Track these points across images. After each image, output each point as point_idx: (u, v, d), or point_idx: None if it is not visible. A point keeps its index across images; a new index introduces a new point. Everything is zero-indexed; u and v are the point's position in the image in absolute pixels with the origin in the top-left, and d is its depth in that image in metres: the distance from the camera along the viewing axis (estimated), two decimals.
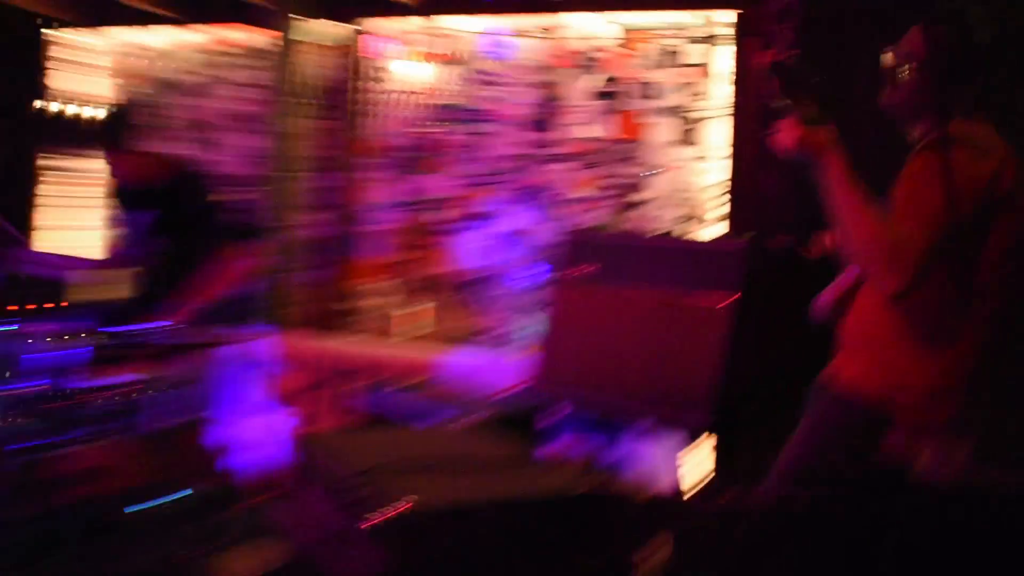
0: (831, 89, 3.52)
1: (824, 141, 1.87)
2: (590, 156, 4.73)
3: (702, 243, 3.19)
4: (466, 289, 4.88)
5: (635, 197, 4.64)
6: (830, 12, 3.76)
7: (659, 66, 4.60)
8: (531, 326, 4.68)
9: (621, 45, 4.69)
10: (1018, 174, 1.90)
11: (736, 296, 2.78)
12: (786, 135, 1.89)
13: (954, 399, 1.94)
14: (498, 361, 4.36)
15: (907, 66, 1.99)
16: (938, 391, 1.92)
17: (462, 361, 4.34)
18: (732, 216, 4.28)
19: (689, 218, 4.52)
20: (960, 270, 1.89)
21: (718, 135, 4.42)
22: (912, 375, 1.92)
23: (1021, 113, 2.78)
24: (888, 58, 2.05)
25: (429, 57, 5.01)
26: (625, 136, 4.66)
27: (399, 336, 4.69)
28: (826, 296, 2.16)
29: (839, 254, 2.08)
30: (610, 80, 4.69)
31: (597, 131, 4.71)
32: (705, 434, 3.05)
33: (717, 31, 4.46)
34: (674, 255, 3.05)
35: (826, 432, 2.00)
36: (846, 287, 2.12)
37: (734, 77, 4.30)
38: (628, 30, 4.67)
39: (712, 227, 4.43)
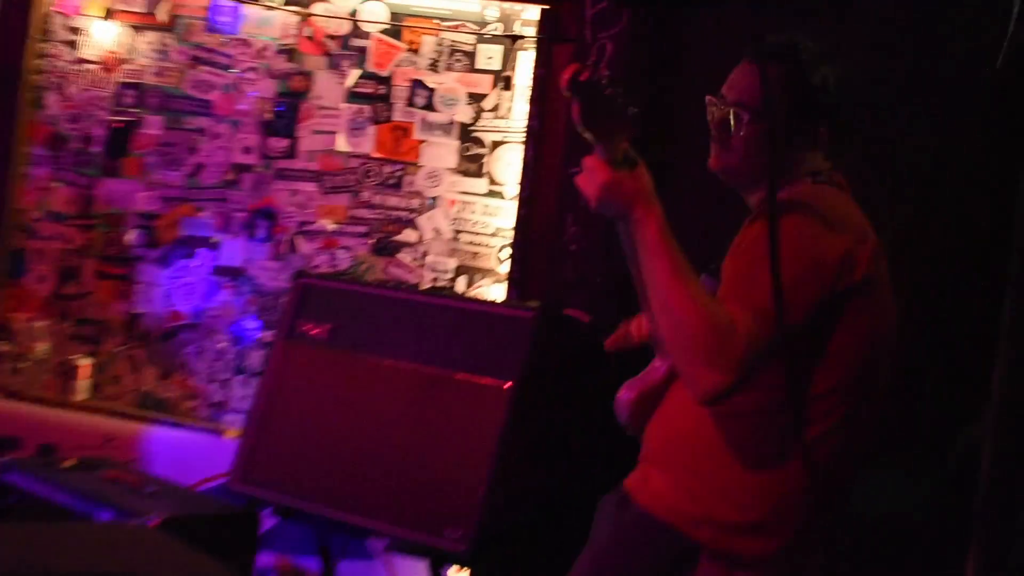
0: (652, 125, 3.75)
1: (633, 191, 1.81)
2: (341, 177, 4.61)
3: (481, 305, 3.21)
4: (157, 340, 4.69)
5: (398, 237, 4.57)
6: (665, 27, 3.76)
7: (443, 68, 4.56)
8: (239, 399, 4.55)
9: (392, 34, 4.58)
10: (876, 254, 1.87)
11: (518, 379, 2.88)
12: (587, 178, 1.77)
13: (780, 531, 1.95)
14: (194, 442, 4.38)
15: (739, 117, 1.94)
16: (760, 519, 1.94)
17: (147, 437, 4.35)
18: (521, 273, 4.26)
19: (468, 270, 4.51)
20: (795, 371, 1.91)
21: (515, 165, 4.42)
22: (729, 498, 1.95)
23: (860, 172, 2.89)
24: (714, 109, 2.01)
25: (134, 19, 4.73)
26: (391, 155, 4.59)
27: (66, 395, 4.65)
28: (630, 390, 2.09)
29: (651, 339, 2.18)
30: (374, 79, 4.60)
31: (354, 144, 4.62)
32: (457, 567, 3.01)
33: (520, 30, 4.44)
34: (443, 318, 3.13)
35: (624, 558, 2.02)
36: (655, 381, 2.16)
37: (532, 93, 4.26)
38: (403, 15, 4.58)
39: (497, 285, 4.46)
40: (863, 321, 1.93)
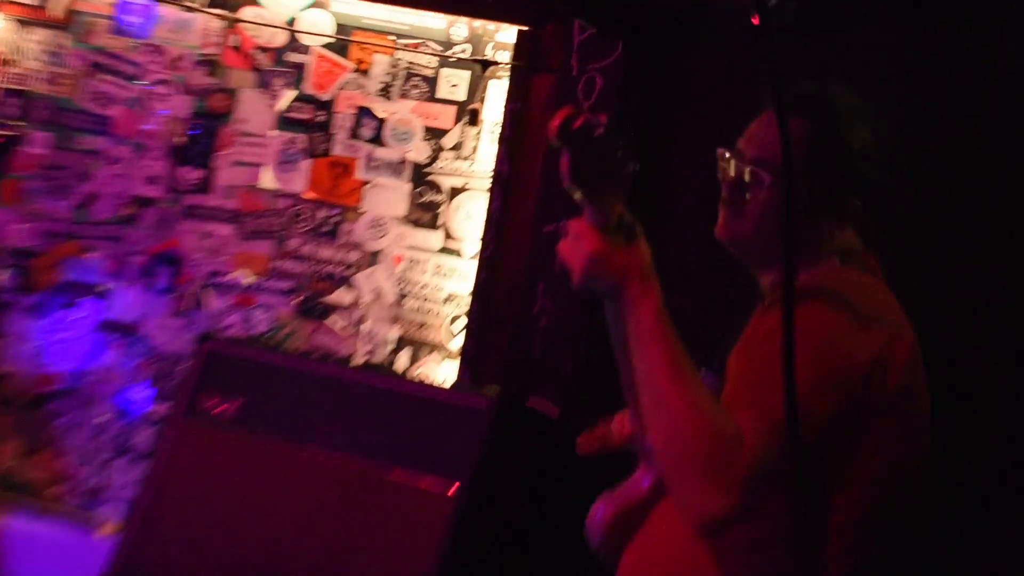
0: (645, 181, 3.79)
1: (628, 265, 1.83)
2: (264, 219, 4.63)
3: (426, 390, 3.20)
4: (22, 408, 4.64)
5: (329, 298, 4.55)
6: (666, 62, 3.84)
7: (397, 95, 4.60)
8: (120, 486, 4.48)
9: (337, 49, 4.62)
10: (914, 356, 1.89)
11: (466, 484, 2.85)
12: (572, 245, 1.79)
13: None
14: (59, 537, 4.33)
15: (757, 177, 1.99)
16: None
17: (10, 528, 4.27)
18: (477, 351, 4.26)
19: (412, 343, 4.50)
20: (807, 499, 1.85)
21: (477, 218, 4.42)
22: None
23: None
24: (726, 165, 2.10)
25: (22, 12, 4.77)
26: (327, 196, 4.60)
27: None
28: (606, 507, 2.14)
29: (635, 444, 2.12)
30: (312, 103, 4.63)
31: (283, 181, 4.63)
32: None
33: (493, 54, 4.50)
34: (378, 402, 3.11)
35: None
36: (638, 498, 2.11)
37: (503, 131, 4.32)
38: (351, 28, 4.62)
39: (448, 363, 4.44)
40: (895, 440, 1.91)
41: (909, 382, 1.90)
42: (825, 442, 1.81)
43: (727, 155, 2.09)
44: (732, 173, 2.07)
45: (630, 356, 1.84)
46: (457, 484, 2.88)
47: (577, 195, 1.75)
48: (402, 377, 3.94)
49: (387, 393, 3.13)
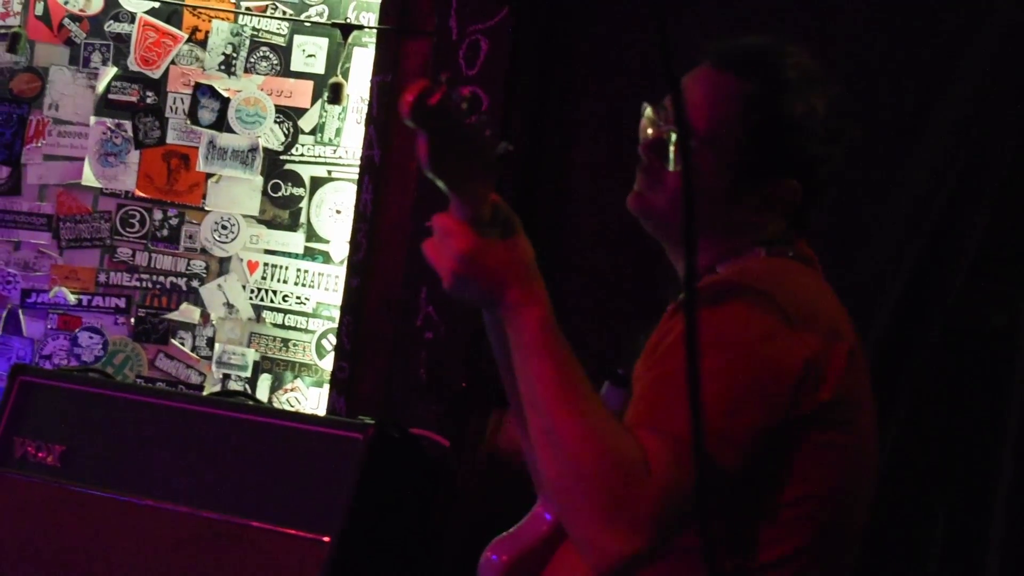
0: (539, 161, 3.80)
1: (506, 265, 1.82)
2: (87, 224, 4.62)
3: (292, 420, 3.21)
4: None
5: (172, 315, 4.56)
6: (566, 21, 3.86)
7: (242, 69, 4.59)
8: None
9: (165, 17, 4.62)
10: (853, 361, 1.92)
11: (340, 531, 2.86)
12: (439, 244, 1.79)
13: None
14: None
15: (680, 141, 2.00)
16: None
17: None
18: (350, 372, 4.24)
19: (274, 366, 4.51)
20: (728, 534, 1.90)
21: (346, 214, 4.42)
22: None
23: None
24: (648, 124, 2.12)
25: None
26: (163, 194, 4.59)
27: None
28: (501, 552, 2.17)
29: (530, 470, 2.13)
30: (139, 81, 4.61)
31: (107, 177, 4.60)
32: None
33: (356, 17, 4.51)
34: (235, 438, 3.11)
35: None
36: (537, 540, 2.14)
37: (371, 109, 4.32)
38: None
39: (316, 389, 4.45)
40: (833, 459, 1.95)
41: (847, 392, 1.92)
42: (750, 465, 1.82)
43: (650, 111, 2.09)
44: (653, 134, 2.08)
45: (515, 373, 1.84)
46: (331, 529, 2.89)
47: (440, 183, 1.74)
48: (262, 405, 3.92)
49: (245, 425, 3.13)
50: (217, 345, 4.51)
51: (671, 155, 2.03)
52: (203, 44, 4.60)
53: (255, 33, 4.58)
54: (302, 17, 4.54)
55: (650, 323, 2.08)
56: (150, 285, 4.56)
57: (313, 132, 4.54)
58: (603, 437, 1.75)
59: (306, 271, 4.51)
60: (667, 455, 1.74)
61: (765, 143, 2.01)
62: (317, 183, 4.52)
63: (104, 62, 4.60)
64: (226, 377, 4.48)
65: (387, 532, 3.01)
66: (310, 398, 4.43)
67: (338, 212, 4.48)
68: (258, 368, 4.49)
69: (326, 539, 2.90)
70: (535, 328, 1.78)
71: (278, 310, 4.51)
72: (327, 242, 4.50)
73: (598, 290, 3.44)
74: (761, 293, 1.89)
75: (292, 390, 4.46)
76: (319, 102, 4.53)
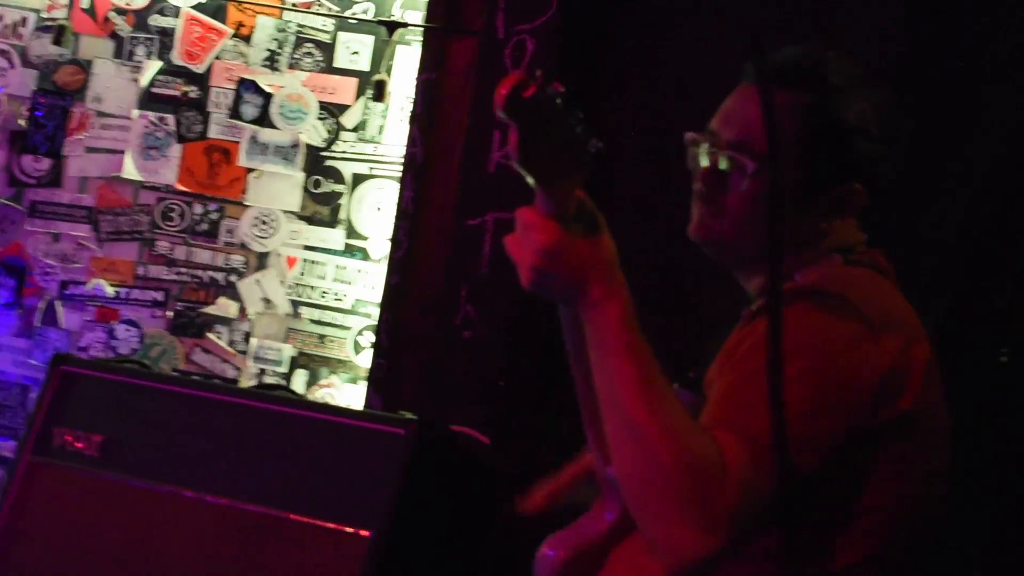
0: (599, 174, 3.80)
1: (590, 261, 1.84)
2: (127, 217, 4.63)
3: (333, 414, 3.22)
4: None
5: (209, 309, 4.57)
6: (615, 22, 3.86)
7: (286, 65, 4.60)
8: None
9: (211, 12, 4.63)
10: (931, 370, 1.92)
11: (382, 526, 2.86)
12: (522, 238, 1.79)
13: None
14: None
15: (738, 165, 2.05)
16: None
17: None
18: (389, 370, 4.22)
19: (311, 362, 4.51)
20: (808, 536, 1.88)
21: (386, 212, 4.41)
22: None
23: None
24: (699, 152, 2.12)
25: None
26: (204, 188, 4.60)
27: None
28: (558, 548, 2.15)
29: (596, 476, 2.11)
30: (182, 75, 4.62)
31: (149, 171, 4.62)
32: None
33: (401, 15, 4.51)
34: (274, 432, 3.11)
35: None
36: (598, 537, 2.13)
37: (416, 107, 4.32)
38: None
39: (352, 386, 4.45)
40: (909, 469, 1.94)
41: (926, 400, 1.93)
42: (826, 471, 1.83)
43: (699, 140, 2.11)
44: (706, 161, 2.08)
45: (591, 370, 1.85)
46: (373, 524, 2.89)
47: (530, 178, 1.75)
48: (303, 399, 3.93)
49: (285, 419, 3.14)
50: (253, 340, 4.53)
51: (728, 178, 2.05)
52: (247, 39, 4.63)
53: (300, 29, 4.60)
54: (347, 14, 4.56)
55: (721, 330, 2.08)
56: (188, 279, 4.58)
57: (356, 129, 4.56)
58: (682, 436, 1.77)
59: (345, 268, 4.52)
60: (745, 456, 1.76)
61: (825, 151, 2.03)
62: (358, 180, 4.54)
63: (148, 56, 4.63)
64: (262, 372, 4.50)
65: (428, 528, 3.01)
66: (346, 394, 4.44)
67: (379, 209, 4.50)
68: (294, 364, 4.51)
69: (366, 534, 2.90)
70: (617, 326, 1.80)
71: (316, 306, 4.53)
72: (366, 239, 4.51)
73: (659, 300, 3.44)
74: (842, 299, 1.90)
75: (328, 386, 4.48)
76: (362, 99, 4.54)
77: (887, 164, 2.08)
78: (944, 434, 2.02)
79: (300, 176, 4.56)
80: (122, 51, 4.64)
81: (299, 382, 4.47)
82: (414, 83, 4.35)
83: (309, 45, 4.59)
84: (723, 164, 2.05)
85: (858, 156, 2.05)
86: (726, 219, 2.07)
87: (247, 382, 4.42)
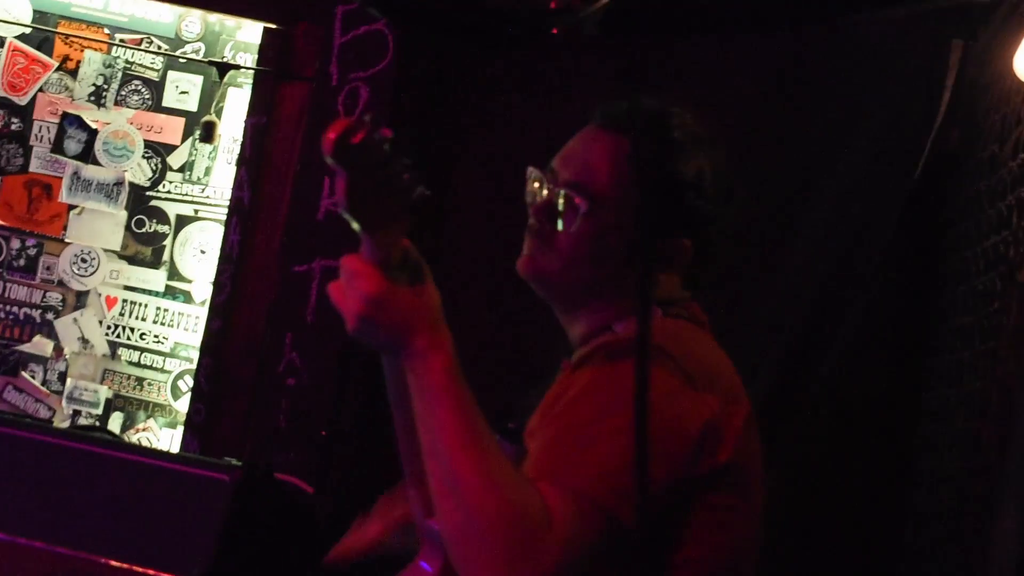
0: (431, 221, 3.80)
1: (413, 310, 1.81)
2: None
3: (157, 457, 3.17)
4: None
5: (24, 347, 4.49)
6: (452, 70, 3.89)
7: (112, 101, 4.56)
8: None
9: (35, 43, 4.56)
10: (748, 424, 1.95)
11: (206, 570, 2.87)
12: (347, 286, 1.77)
13: None
14: None
15: (572, 204, 2.03)
16: None
17: None
18: (207, 415, 4.19)
19: (126, 404, 4.45)
20: None
21: (211, 254, 4.40)
22: None
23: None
24: (537, 187, 2.11)
25: None
26: (22, 223, 4.54)
27: None
28: None
29: (416, 529, 2.12)
30: (4, 107, 4.56)
31: None
32: None
33: (233, 57, 4.49)
34: (97, 474, 3.08)
35: None
36: None
37: (244, 150, 4.31)
38: (55, 17, 4.56)
39: (169, 431, 4.41)
40: (725, 521, 1.96)
41: (744, 456, 1.94)
42: (652, 520, 1.81)
43: (538, 175, 2.12)
44: (542, 197, 2.10)
45: (413, 420, 1.84)
46: (194, 571, 2.85)
47: (355, 225, 1.73)
48: (124, 441, 3.86)
49: (105, 461, 3.07)
50: (69, 380, 4.43)
51: (561, 216, 2.07)
52: (74, 73, 4.54)
53: (128, 66, 4.54)
54: (178, 53, 4.51)
55: (541, 380, 2.09)
56: (3, 315, 4.47)
57: (182, 170, 4.51)
58: (505, 488, 1.75)
59: (166, 310, 4.46)
60: (568, 508, 1.75)
61: (656, 203, 2.02)
62: (183, 221, 4.48)
63: None
64: (76, 413, 4.39)
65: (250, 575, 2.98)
66: (163, 439, 4.36)
67: (203, 252, 4.45)
68: (110, 406, 4.42)
69: None
70: (440, 375, 1.78)
71: (135, 348, 4.45)
72: (190, 282, 4.46)
73: (483, 346, 3.46)
74: (662, 352, 1.90)
75: (144, 430, 4.39)
76: (190, 140, 4.50)
77: (719, 224, 2.09)
78: (760, 488, 2.03)
79: (123, 215, 4.49)
80: None
81: (115, 425, 4.38)
82: (243, 126, 4.34)
83: (137, 82, 4.53)
84: (559, 202, 2.05)
85: (689, 211, 2.05)
86: (554, 256, 2.06)
87: (61, 423, 4.32)
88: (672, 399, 1.85)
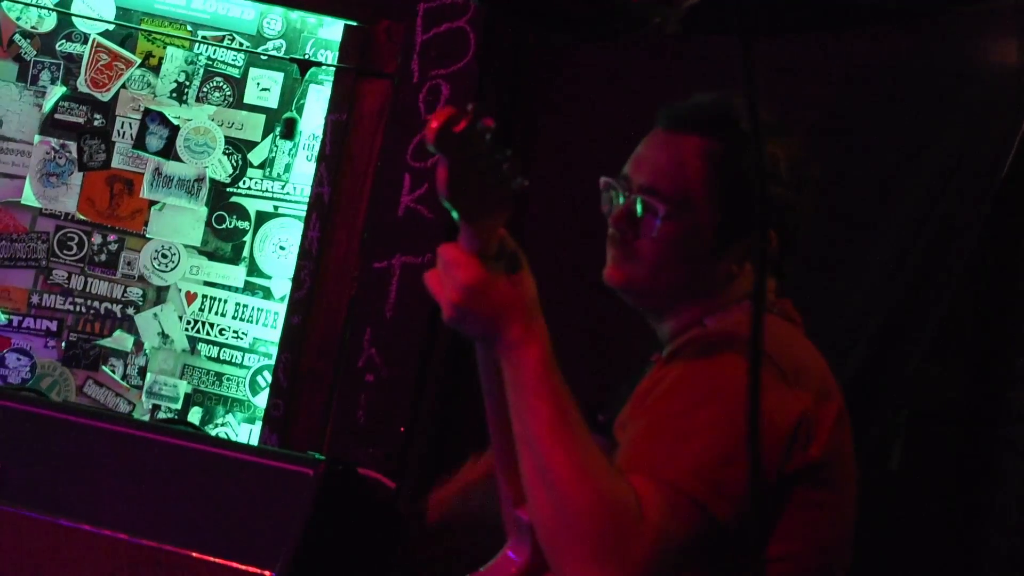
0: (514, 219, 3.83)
1: (511, 300, 1.84)
2: (22, 244, 4.59)
3: (239, 450, 3.18)
4: None
5: (105, 341, 4.53)
6: (533, 68, 3.90)
7: (194, 98, 4.58)
8: None
9: (119, 39, 4.59)
10: (840, 420, 1.94)
11: (286, 567, 2.81)
12: (444, 274, 1.78)
13: None
14: None
15: (651, 210, 2.07)
16: None
17: None
18: (286, 411, 4.21)
19: (206, 399, 4.49)
20: None
21: (290, 250, 4.42)
22: None
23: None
24: (613, 197, 2.14)
25: None
26: (104, 219, 4.57)
27: None
28: None
29: (505, 517, 2.13)
30: (87, 103, 4.58)
31: (48, 198, 4.59)
32: None
33: (313, 54, 4.51)
34: (173, 466, 3.06)
35: None
36: None
37: (324, 146, 4.32)
38: (138, 14, 4.60)
39: (248, 426, 4.44)
40: (817, 518, 1.95)
41: (836, 451, 1.94)
42: (740, 518, 1.81)
43: (612, 185, 2.12)
44: (619, 206, 2.10)
45: (506, 410, 1.84)
46: (275, 565, 2.85)
47: (455, 213, 1.74)
48: (206, 434, 3.88)
49: (188, 453, 3.08)
50: (149, 375, 4.47)
51: (641, 223, 2.07)
52: (156, 70, 4.58)
53: (210, 62, 4.57)
54: (259, 50, 4.54)
55: (631, 374, 2.09)
56: (84, 310, 4.51)
57: (262, 166, 4.53)
58: (598, 479, 1.76)
59: (245, 306, 4.49)
60: (661, 501, 1.76)
61: (734, 197, 2.04)
62: (263, 218, 4.51)
63: (53, 81, 4.57)
64: (156, 408, 4.43)
65: (331, 571, 2.98)
66: (241, 434, 4.39)
67: (282, 248, 4.48)
68: (189, 400, 4.46)
69: (268, 574, 2.87)
70: (535, 366, 1.79)
71: (214, 343, 4.49)
72: (269, 278, 4.49)
73: (570, 344, 3.47)
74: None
75: (223, 425, 4.42)
76: (271, 136, 4.53)
77: (799, 211, 2.10)
78: (852, 484, 2.04)
79: (203, 211, 4.52)
80: (26, 75, 4.58)
81: (194, 419, 4.41)
82: (324, 123, 4.35)
83: (218, 79, 4.56)
84: (637, 209, 2.06)
85: (768, 201, 2.04)
86: (639, 263, 2.08)
87: (141, 417, 4.36)
88: (766, 394, 1.80)
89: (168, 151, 4.54)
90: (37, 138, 4.56)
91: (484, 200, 1.74)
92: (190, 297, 4.49)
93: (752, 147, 2.00)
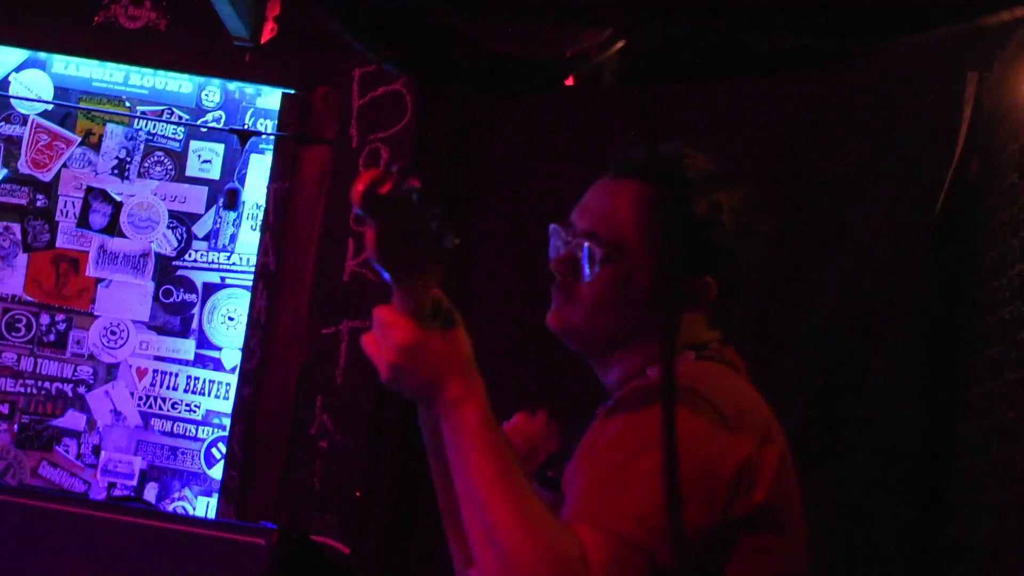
0: (454, 274, 3.85)
1: (447, 359, 1.83)
2: None
3: (193, 524, 3.18)
4: None
5: (57, 422, 4.51)
6: (470, 127, 3.94)
7: (136, 174, 4.60)
8: None
9: (58, 119, 4.60)
10: (784, 463, 1.95)
11: None
12: (379, 337, 1.78)
13: None
14: None
15: (592, 252, 2.07)
16: None
17: None
18: (241, 482, 4.22)
19: (161, 475, 4.46)
20: None
21: (239, 321, 4.43)
22: None
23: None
24: (559, 242, 2.14)
25: None
26: (51, 299, 4.56)
27: None
28: None
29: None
30: (28, 184, 4.60)
31: None
32: None
33: (253, 124, 4.54)
34: (134, 543, 3.13)
35: None
36: None
37: (267, 216, 4.36)
38: (76, 93, 4.61)
39: (204, 499, 4.40)
40: (764, 564, 1.94)
41: (780, 495, 1.94)
42: (685, 564, 1.78)
43: (558, 230, 2.14)
44: (564, 251, 2.11)
45: (451, 469, 1.84)
46: None
47: (387, 275, 1.75)
48: (159, 510, 3.88)
49: (142, 530, 3.09)
50: (103, 453, 4.45)
51: (585, 268, 2.07)
52: (97, 147, 4.58)
53: (150, 137, 4.58)
54: (199, 122, 4.55)
55: (578, 428, 2.11)
56: (35, 391, 4.49)
57: (207, 238, 4.53)
58: (543, 532, 1.75)
59: (197, 378, 4.48)
60: (606, 550, 1.75)
61: (675, 243, 2.03)
62: (210, 289, 4.51)
63: None
64: (111, 486, 4.40)
65: None
66: (198, 507, 4.36)
67: (231, 319, 4.47)
68: (145, 477, 4.43)
69: None
70: (474, 423, 1.79)
71: (167, 418, 4.46)
72: (219, 349, 4.48)
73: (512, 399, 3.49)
74: (695, 394, 1.91)
75: (179, 499, 4.40)
76: (214, 208, 4.53)
77: (741, 258, 2.10)
78: (801, 527, 2.04)
79: (150, 285, 4.52)
80: None
81: (150, 496, 4.38)
82: (266, 192, 4.38)
83: (159, 153, 4.57)
84: (576, 252, 2.08)
85: (708, 248, 2.06)
86: (577, 307, 2.09)
87: (96, 496, 4.34)
88: (706, 440, 1.86)
89: (112, 228, 4.53)
90: None
91: (415, 260, 1.74)
92: (141, 372, 4.48)
93: (675, 193, 2.05)
